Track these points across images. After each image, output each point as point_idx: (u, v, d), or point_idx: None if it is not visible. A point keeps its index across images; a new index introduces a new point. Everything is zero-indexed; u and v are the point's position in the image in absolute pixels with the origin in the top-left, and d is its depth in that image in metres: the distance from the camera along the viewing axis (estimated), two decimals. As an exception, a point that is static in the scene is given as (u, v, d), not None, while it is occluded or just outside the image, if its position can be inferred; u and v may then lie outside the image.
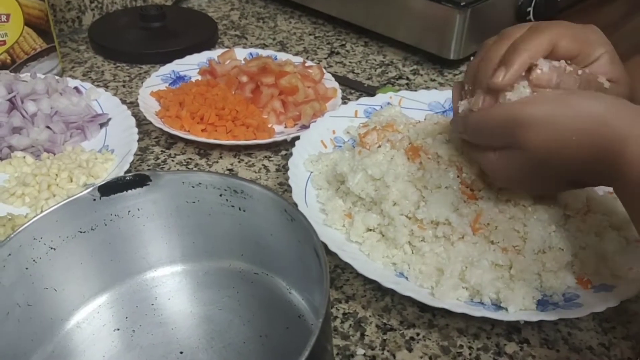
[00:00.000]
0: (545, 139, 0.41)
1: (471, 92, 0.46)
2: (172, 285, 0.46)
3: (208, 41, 0.89)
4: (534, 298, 0.44)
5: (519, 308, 0.44)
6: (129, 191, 0.43)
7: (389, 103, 0.68)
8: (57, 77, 0.69)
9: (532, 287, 0.45)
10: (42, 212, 0.40)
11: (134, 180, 0.43)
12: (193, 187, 0.44)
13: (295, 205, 0.53)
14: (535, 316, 0.43)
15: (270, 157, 0.66)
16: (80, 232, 0.42)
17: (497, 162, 0.45)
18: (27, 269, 0.39)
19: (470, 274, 0.46)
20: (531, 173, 0.44)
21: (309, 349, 0.31)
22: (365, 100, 0.69)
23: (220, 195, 0.44)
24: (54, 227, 0.40)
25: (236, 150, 0.67)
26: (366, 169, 0.52)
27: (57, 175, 0.57)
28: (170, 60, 0.78)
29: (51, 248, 0.41)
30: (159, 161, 0.65)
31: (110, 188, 0.42)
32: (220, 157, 0.66)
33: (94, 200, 0.42)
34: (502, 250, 0.47)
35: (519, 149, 0.42)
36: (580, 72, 0.44)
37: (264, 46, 0.90)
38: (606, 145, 0.39)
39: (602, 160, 0.39)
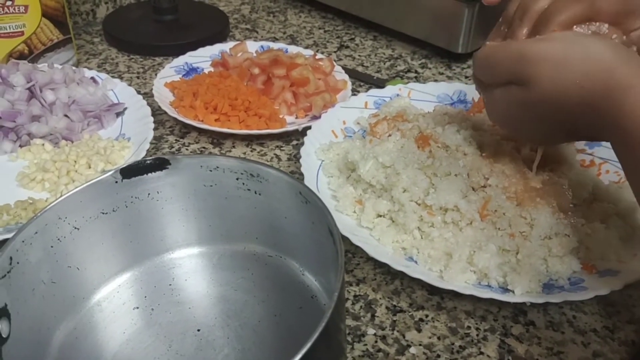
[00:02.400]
0: (551, 77, 0.40)
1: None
2: (189, 267, 0.48)
3: (220, 34, 0.90)
4: (540, 281, 0.46)
5: (525, 290, 0.45)
6: (149, 174, 0.44)
7: (398, 95, 0.69)
8: (74, 68, 0.71)
9: (538, 271, 0.46)
10: (66, 193, 0.42)
11: (154, 163, 0.44)
12: (211, 170, 0.45)
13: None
14: (541, 298, 0.44)
15: (281, 146, 0.67)
16: (103, 213, 0.44)
17: (499, 100, 0.45)
18: (52, 247, 0.41)
19: (478, 258, 0.47)
20: (529, 114, 0.44)
21: (322, 324, 0.32)
22: (375, 92, 0.70)
23: (237, 179, 0.45)
24: (77, 207, 0.42)
25: (248, 139, 0.68)
26: (377, 156, 0.54)
27: (75, 161, 0.59)
28: (183, 53, 0.79)
29: (75, 228, 0.42)
30: (173, 150, 0.66)
31: (131, 171, 0.44)
32: (233, 147, 0.67)
33: (116, 182, 0.43)
34: (509, 236, 0.49)
35: (523, 85, 0.42)
36: (615, 37, 0.43)
37: (274, 40, 0.91)
38: (608, 93, 0.38)
39: (601, 109, 0.39)
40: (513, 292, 0.45)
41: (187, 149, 0.67)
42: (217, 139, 0.68)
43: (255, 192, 0.45)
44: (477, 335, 0.45)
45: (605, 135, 0.41)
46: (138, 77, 0.80)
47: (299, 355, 0.30)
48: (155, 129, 0.65)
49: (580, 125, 0.43)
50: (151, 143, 0.63)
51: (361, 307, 0.48)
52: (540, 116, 0.44)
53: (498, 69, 0.44)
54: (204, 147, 0.67)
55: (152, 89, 0.71)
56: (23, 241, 0.38)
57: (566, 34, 0.42)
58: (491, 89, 0.46)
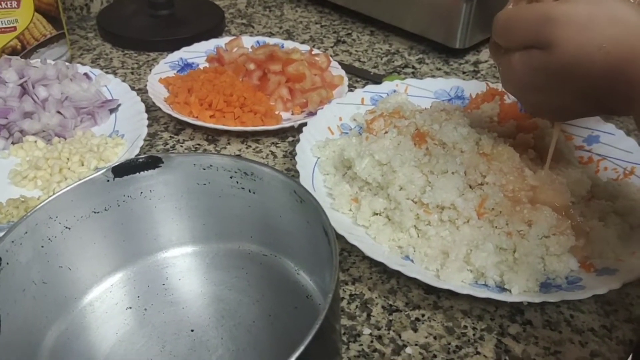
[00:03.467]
0: (575, 39, 0.39)
1: None
2: (182, 266, 0.47)
3: (215, 29, 0.89)
4: (537, 280, 0.45)
5: (523, 290, 0.44)
6: (142, 173, 0.44)
7: (395, 91, 0.69)
8: (67, 64, 0.70)
9: (536, 270, 0.46)
10: (57, 192, 0.41)
11: (147, 162, 0.43)
12: (204, 169, 0.44)
13: (303, 188, 0.54)
14: (538, 297, 0.44)
15: (277, 143, 0.67)
16: (94, 212, 0.43)
17: (518, 66, 0.43)
18: (42, 247, 0.40)
19: (474, 256, 0.46)
20: (550, 81, 0.42)
21: (317, 325, 0.32)
22: (371, 87, 0.69)
23: (231, 177, 0.44)
24: (69, 206, 0.41)
25: (244, 136, 0.67)
26: (373, 154, 0.53)
27: (68, 159, 0.58)
28: (178, 48, 0.78)
29: (66, 227, 0.42)
30: (167, 147, 0.66)
31: (123, 169, 0.43)
32: (228, 143, 0.67)
33: (108, 181, 0.43)
34: (507, 235, 0.48)
35: (545, 48, 0.41)
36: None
37: (270, 35, 0.90)
38: (634, 58, 0.37)
39: (627, 74, 0.37)
40: (510, 291, 0.45)
41: (181, 146, 0.66)
42: (212, 135, 0.68)
43: (250, 191, 0.45)
44: (474, 335, 0.45)
45: (628, 104, 0.39)
46: (132, 73, 0.79)
47: (294, 356, 0.30)
48: (149, 125, 0.64)
49: (603, 95, 0.41)
50: (145, 140, 0.62)
51: (357, 306, 0.47)
52: (561, 83, 0.42)
53: (520, 31, 0.42)
54: (198, 144, 0.66)
55: (146, 85, 0.70)
56: (13, 241, 0.38)
57: None
58: (509, 55, 0.44)
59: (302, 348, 0.30)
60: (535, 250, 0.47)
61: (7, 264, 0.37)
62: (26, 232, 0.39)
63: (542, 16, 0.41)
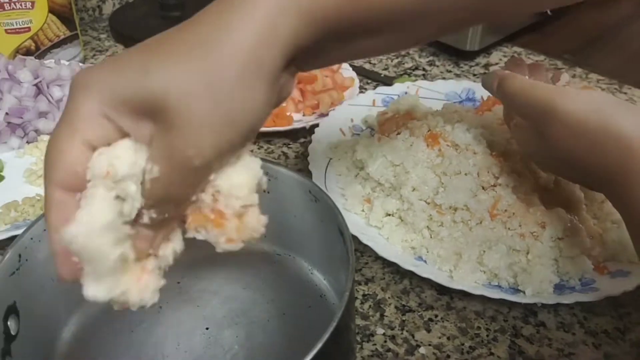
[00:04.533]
0: (566, 137, 0.40)
1: None
2: (197, 265, 0.47)
3: (226, 31, 0.89)
4: (551, 282, 0.45)
5: (536, 291, 0.45)
6: (158, 171, 0.44)
7: (406, 92, 0.69)
8: (80, 64, 0.71)
9: (549, 272, 0.46)
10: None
11: (163, 160, 0.44)
12: (220, 168, 0.45)
13: (318, 187, 0.54)
14: (552, 299, 0.44)
15: (289, 144, 0.67)
16: (111, 210, 0.43)
17: (523, 131, 0.46)
18: (60, 244, 0.41)
19: (487, 257, 0.46)
20: (547, 156, 0.45)
21: (334, 323, 0.32)
22: (383, 89, 0.69)
23: (246, 176, 0.45)
24: (86, 204, 0.42)
25: (256, 137, 0.68)
26: (386, 155, 0.53)
27: (82, 158, 0.59)
28: (190, 49, 0.79)
29: (83, 225, 0.42)
30: (180, 147, 0.66)
31: (140, 168, 0.43)
32: (240, 144, 0.67)
33: (125, 180, 0.43)
34: (520, 236, 0.48)
35: (541, 135, 0.43)
36: None
37: (281, 36, 0.90)
38: (622, 170, 0.37)
39: (613, 183, 0.39)
40: (524, 292, 0.45)
41: (194, 146, 0.66)
42: (224, 136, 0.68)
43: (264, 190, 0.45)
44: (487, 335, 0.45)
45: (614, 201, 0.41)
46: (145, 74, 0.80)
47: (311, 355, 0.30)
48: (162, 126, 0.64)
49: (588, 183, 0.44)
50: (158, 140, 0.62)
51: (370, 306, 0.47)
52: (556, 161, 0.44)
53: (523, 108, 0.45)
54: (211, 145, 0.67)
55: (159, 86, 0.71)
56: (32, 238, 0.38)
57: (594, 95, 0.41)
58: (519, 118, 0.47)
59: (319, 346, 0.31)
60: (548, 252, 0.47)
61: (27, 260, 0.38)
62: (44, 230, 0.39)
63: (541, 104, 0.42)
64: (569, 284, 0.46)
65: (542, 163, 0.48)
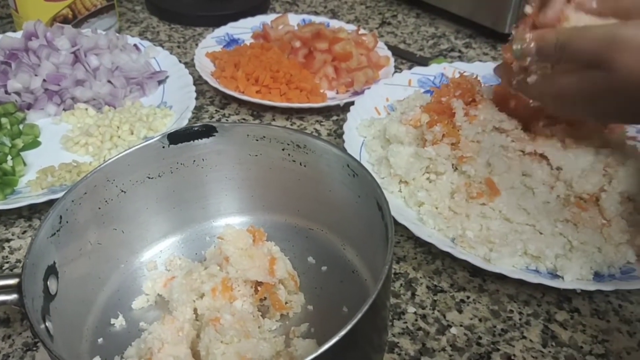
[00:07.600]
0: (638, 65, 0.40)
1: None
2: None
3: (261, 6, 0.89)
4: (591, 269, 0.44)
5: (576, 277, 0.44)
6: (196, 141, 0.44)
7: (442, 74, 0.68)
8: (117, 34, 0.71)
9: (591, 259, 0.45)
10: (115, 155, 0.42)
11: (202, 130, 0.44)
12: (257, 140, 0.45)
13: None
14: (592, 285, 0.43)
15: (321, 121, 0.67)
16: (149, 177, 0.44)
17: (570, 85, 0.45)
18: (99, 208, 0.41)
19: (530, 242, 0.46)
20: (606, 97, 0.44)
21: (371, 299, 0.31)
22: (419, 69, 0.68)
23: (283, 149, 0.45)
24: (125, 170, 0.42)
25: (288, 113, 0.67)
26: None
27: (118, 127, 0.59)
28: (224, 23, 0.79)
29: (122, 191, 0.42)
30: (213, 120, 0.66)
31: (179, 137, 0.43)
32: (273, 119, 0.67)
33: (163, 147, 0.43)
34: (565, 222, 0.47)
35: (606, 70, 0.42)
36: None
37: (315, 13, 0.90)
38: None
39: None
40: (562, 278, 0.44)
41: (227, 120, 0.66)
42: (257, 111, 0.68)
43: (301, 164, 0.45)
44: (520, 319, 0.44)
45: None
46: (179, 47, 0.80)
47: (347, 329, 0.30)
48: (195, 98, 0.64)
49: None
50: (192, 112, 0.62)
51: (401, 285, 0.47)
52: (616, 100, 0.43)
53: (581, 53, 0.43)
54: (243, 119, 0.67)
55: (192, 59, 0.71)
56: (73, 201, 0.39)
57: None
58: (562, 75, 0.45)
59: (354, 321, 0.30)
60: (593, 239, 0.46)
61: (67, 222, 0.38)
62: (85, 193, 0.40)
63: (606, 39, 0.41)
64: (609, 272, 0.45)
65: (593, 110, 0.47)
